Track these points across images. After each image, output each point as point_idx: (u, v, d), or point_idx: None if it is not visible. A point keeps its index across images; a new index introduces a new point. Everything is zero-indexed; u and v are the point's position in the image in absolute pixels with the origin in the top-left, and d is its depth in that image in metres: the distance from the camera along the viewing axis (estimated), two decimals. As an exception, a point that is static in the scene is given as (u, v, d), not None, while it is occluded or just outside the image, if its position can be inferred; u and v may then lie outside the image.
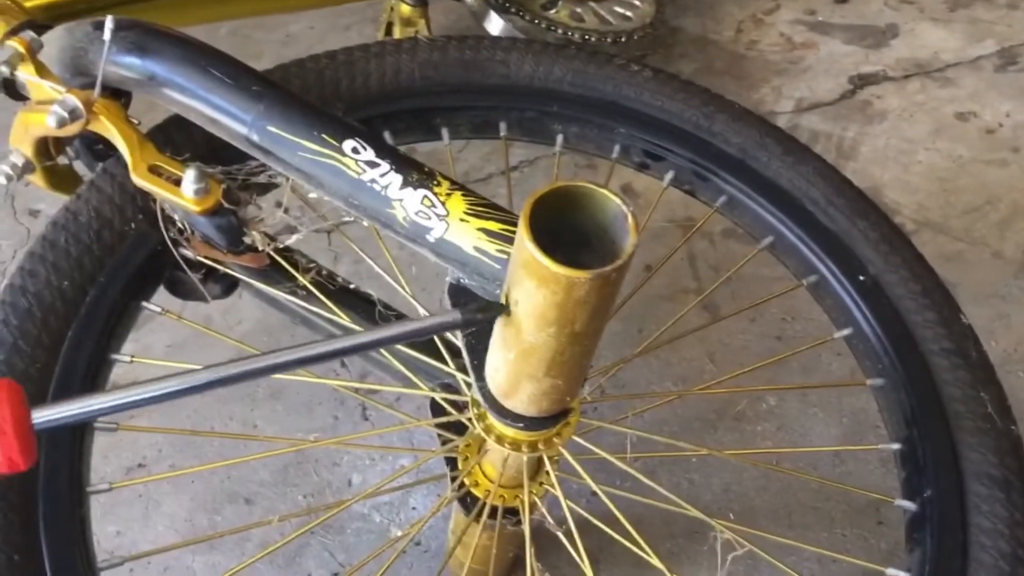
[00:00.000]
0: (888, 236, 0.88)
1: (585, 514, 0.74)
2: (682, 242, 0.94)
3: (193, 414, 1.14)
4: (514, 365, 0.59)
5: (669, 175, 0.92)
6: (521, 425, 0.64)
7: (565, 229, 0.52)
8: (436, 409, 0.84)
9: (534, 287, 0.51)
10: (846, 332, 0.85)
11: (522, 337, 0.55)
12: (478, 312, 0.56)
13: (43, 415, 0.40)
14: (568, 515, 0.71)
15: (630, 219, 0.50)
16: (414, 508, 1.09)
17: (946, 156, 1.46)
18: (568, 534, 0.72)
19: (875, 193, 1.41)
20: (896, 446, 0.80)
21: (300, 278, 0.84)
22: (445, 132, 0.92)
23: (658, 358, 1.20)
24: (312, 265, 0.89)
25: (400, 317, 0.88)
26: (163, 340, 1.21)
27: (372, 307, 0.87)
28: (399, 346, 0.84)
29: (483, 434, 0.68)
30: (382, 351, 0.85)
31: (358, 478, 1.11)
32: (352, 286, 0.91)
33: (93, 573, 0.64)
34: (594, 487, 0.72)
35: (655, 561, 0.69)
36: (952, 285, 1.29)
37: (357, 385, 0.88)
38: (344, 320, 0.84)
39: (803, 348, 0.86)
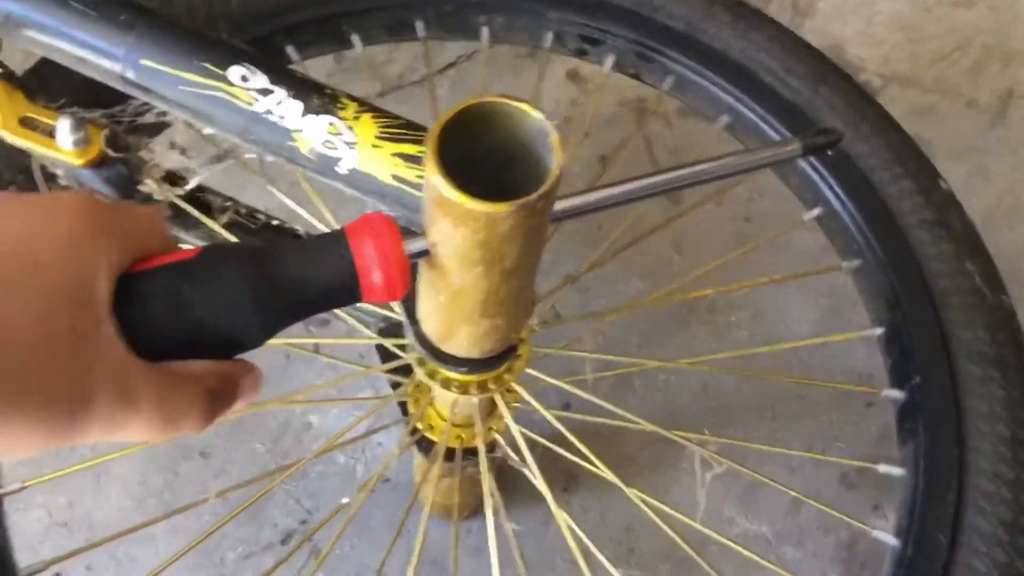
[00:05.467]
0: (855, 101, 0.80)
1: (545, 442, 0.69)
2: (630, 133, 0.85)
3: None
4: (446, 309, 0.51)
5: (610, 60, 0.84)
6: (464, 369, 0.57)
7: (482, 150, 0.44)
8: (384, 351, 0.77)
9: (451, 226, 0.43)
10: (816, 212, 0.78)
11: (449, 280, 0.48)
12: (818, 137, 0.52)
13: (413, 246, 0.43)
14: (526, 451, 0.66)
15: (553, 137, 0.42)
16: (380, 444, 1.03)
17: (909, 2, 1.36)
18: (533, 466, 0.67)
19: (837, 51, 1.31)
20: (879, 331, 0.74)
21: (209, 223, 0.76)
22: (356, 39, 0.82)
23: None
24: (228, 204, 0.80)
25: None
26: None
27: (300, 243, 0.79)
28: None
29: (427, 380, 0.62)
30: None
31: (316, 419, 1.04)
32: (276, 222, 0.83)
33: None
34: (548, 417, 0.67)
35: (618, 482, 0.64)
36: (926, 141, 1.22)
37: (299, 341, 0.81)
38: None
39: (772, 235, 0.79)
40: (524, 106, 0.43)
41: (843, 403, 1.03)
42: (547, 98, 1.24)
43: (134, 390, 0.34)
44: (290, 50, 0.80)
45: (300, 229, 0.81)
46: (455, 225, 0.43)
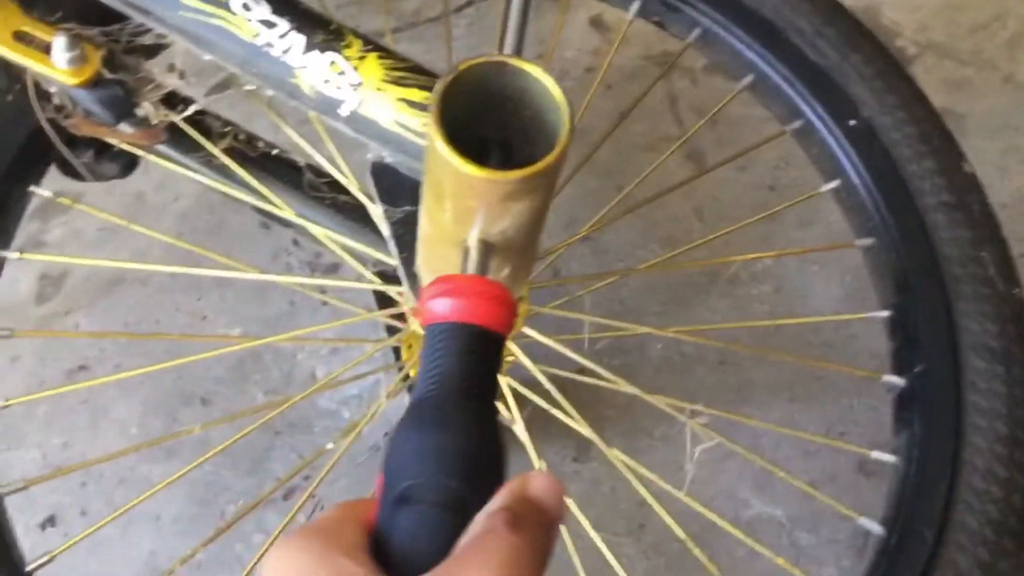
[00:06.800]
0: (884, 71, 0.76)
1: (536, 399, 0.68)
2: (651, 84, 0.82)
3: (136, 306, 1.06)
4: (443, 263, 0.51)
5: (635, 5, 0.80)
6: (456, 322, 0.56)
7: (492, 101, 0.43)
8: (381, 296, 0.76)
9: (451, 189, 0.43)
10: (833, 184, 0.75)
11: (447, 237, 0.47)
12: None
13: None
14: (513, 409, 0.65)
15: (564, 109, 0.41)
16: (383, 398, 1.02)
17: (947, -36, 1.30)
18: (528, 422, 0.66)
19: (873, 13, 1.26)
20: (885, 314, 0.71)
21: (210, 148, 0.74)
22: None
23: (642, 217, 1.10)
24: (228, 129, 0.78)
25: (332, 185, 0.78)
26: (94, 223, 1.11)
27: (300, 175, 0.77)
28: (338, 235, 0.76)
29: (420, 329, 0.60)
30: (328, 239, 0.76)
31: (322, 370, 1.03)
32: (276, 151, 0.80)
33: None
34: (538, 375, 0.66)
35: (599, 441, 0.63)
36: (960, 116, 1.17)
37: (303, 280, 0.80)
38: (265, 192, 0.75)
39: (781, 206, 0.76)
40: (532, 68, 0.42)
41: (863, 388, 1.00)
42: (568, 46, 1.21)
43: None
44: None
45: (300, 160, 0.78)
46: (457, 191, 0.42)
